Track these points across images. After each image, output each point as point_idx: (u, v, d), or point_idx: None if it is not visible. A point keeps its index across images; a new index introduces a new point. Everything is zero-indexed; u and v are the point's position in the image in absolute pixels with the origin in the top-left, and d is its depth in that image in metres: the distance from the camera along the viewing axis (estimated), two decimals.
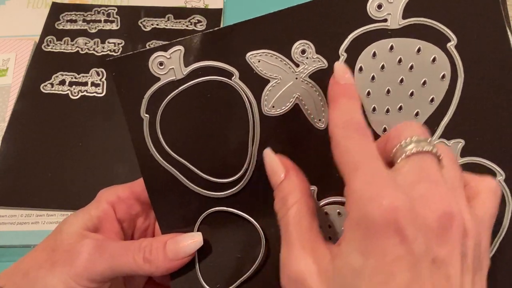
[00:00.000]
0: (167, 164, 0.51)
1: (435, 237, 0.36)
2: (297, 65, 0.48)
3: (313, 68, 0.48)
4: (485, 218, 0.41)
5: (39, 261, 0.51)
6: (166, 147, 0.50)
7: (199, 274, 0.53)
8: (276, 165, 0.47)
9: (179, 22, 0.98)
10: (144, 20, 0.98)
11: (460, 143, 0.49)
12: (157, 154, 0.51)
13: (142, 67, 0.49)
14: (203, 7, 1.00)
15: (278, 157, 0.48)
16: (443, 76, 0.48)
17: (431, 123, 0.49)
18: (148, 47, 0.87)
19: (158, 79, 0.49)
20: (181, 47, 0.48)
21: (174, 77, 0.49)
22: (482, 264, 0.40)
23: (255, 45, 0.48)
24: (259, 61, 0.48)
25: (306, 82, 0.49)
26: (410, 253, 0.35)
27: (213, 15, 0.99)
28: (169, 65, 0.49)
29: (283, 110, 0.49)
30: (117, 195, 0.56)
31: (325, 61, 0.48)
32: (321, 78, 0.48)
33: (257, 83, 0.49)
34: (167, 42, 0.48)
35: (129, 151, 0.80)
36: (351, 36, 0.48)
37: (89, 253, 0.51)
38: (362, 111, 0.43)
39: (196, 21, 0.97)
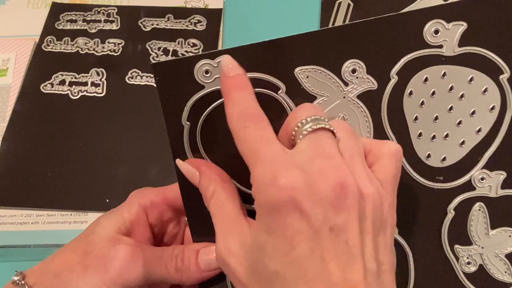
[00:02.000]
0: None
1: (332, 207, 0.38)
2: (346, 84, 0.48)
3: (362, 89, 0.48)
4: (387, 179, 0.43)
5: (71, 263, 0.50)
6: (205, 155, 0.49)
7: (230, 285, 0.52)
8: (189, 168, 0.49)
9: (179, 22, 0.97)
10: (144, 20, 0.97)
11: (502, 175, 0.49)
12: None
13: (187, 73, 0.47)
14: (203, 7, 1.00)
15: (188, 161, 0.50)
16: (493, 108, 0.48)
17: (475, 153, 0.49)
18: (149, 47, 0.87)
19: (203, 87, 0.48)
20: None
21: (219, 87, 0.48)
22: (386, 223, 0.42)
23: (305, 61, 0.48)
24: (307, 77, 0.48)
25: (353, 102, 0.48)
26: (309, 226, 0.37)
27: (213, 15, 0.98)
28: (215, 73, 0.47)
29: None
30: (150, 200, 0.55)
31: (375, 82, 0.48)
32: (369, 99, 0.48)
33: (304, 99, 0.48)
34: (214, 50, 0.47)
35: (129, 151, 0.82)
36: (404, 59, 0.47)
37: (123, 259, 0.49)
38: (254, 98, 0.45)
39: (196, 21, 0.97)
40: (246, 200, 0.48)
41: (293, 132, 0.43)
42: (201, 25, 0.97)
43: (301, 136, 0.42)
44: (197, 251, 0.51)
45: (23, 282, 0.49)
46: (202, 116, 0.48)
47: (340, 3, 0.95)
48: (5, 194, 0.80)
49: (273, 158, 0.40)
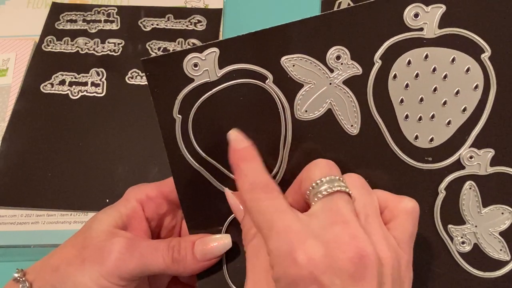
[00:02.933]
0: (198, 165, 0.51)
1: (350, 278, 0.38)
2: (332, 71, 0.49)
3: (347, 74, 0.49)
4: (404, 239, 0.43)
5: (69, 257, 0.51)
6: (198, 148, 0.50)
7: (227, 275, 0.53)
8: (236, 203, 0.50)
9: (179, 22, 0.97)
10: (144, 20, 0.98)
11: (490, 152, 0.49)
12: (188, 154, 0.51)
13: (177, 67, 0.48)
14: (203, 7, 1.00)
15: (237, 194, 0.50)
16: (476, 87, 0.48)
17: (462, 132, 0.49)
18: (149, 47, 0.88)
19: (192, 80, 0.49)
20: (216, 49, 0.48)
21: (208, 79, 0.49)
22: (404, 283, 0.42)
23: (291, 50, 0.48)
24: (293, 66, 0.49)
25: (339, 87, 0.49)
26: None
27: (213, 15, 0.98)
28: (203, 66, 0.48)
29: (315, 115, 0.49)
30: (146, 194, 0.56)
31: (359, 67, 0.49)
32: (355, 85, 0.49)
33: (291, 87, 0.49)
34: (202, 44, 0.48)
35: (129, 151, 0.82)
36: (387, 44, 0.48)
37: (120, 251, 0.50)
38: (264, 168, 0.46)
39: (196, 21, 0.97)
40: (233, 188, 0.50)
41: (308, 192, 0.44)
42: (201, 25, 0.97)
43: (316, 199, 0.42)
44: (193, 242, 0.52)
45: (23, 278, 0.50)
46: (193, 109, 0.49)
47: (340, 3, 0.95)
48: (5, 194, 0.81)
49: (287, 229, 0.40)
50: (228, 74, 0.49)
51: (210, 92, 0.49)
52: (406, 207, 0.44)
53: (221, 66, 0.49)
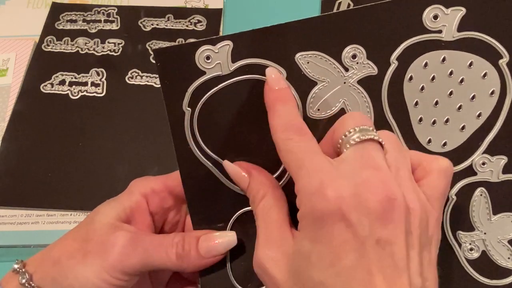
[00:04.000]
0: (205, 160, 0.50)
1: (378, 219, 0.38)
2: (347, 70, 0.48)
3: (362, 74, 0.48)
4: (435, 196, 0.43)
5: (70, 250, 0.50)
6: (202, 143, 0.49)
7: (230, 273, 0.52)
8: (238, 172, 0.49)
9: (179, 22, 0.97)
10: (144, 20, 0.98)
11: (503, 160, 0.49)
12: (196, 148, 0.50)
13: (189, 59, 0.47)
14: (203, 7, 1.00)
15: (238, 163, 0.50)
16: (492, 92, 0.48)
17: (476, 138, 0.49)
18: (148, 47, 0.88)
19: (204, 73, 0.48)
20: (230, 42, 0.47)
21: (220, 72, 0.48)
22: (432, 239, 0.42)
23: (306, 46, 0.48)
24: (308, 63, 0.48)
25: (354, 87, 0.48)
26: (355, 236, 0.37)
27: (213, 15, 0.99)
28: (216, 59, 0.47)
29: (328, 114, 0.49)
30: (151, 187, 0.55)
31: (375, 67, 0.48)
32: (370, 85, 0.48)
33: (304, 84, 0.48)
34: (215, 36, 0.47)
35: (129, 151, 0.82)
36: (404, 45, 0.48)
37: (123, 245, 0.49)
38: (298, 112, 0.47)
39: (196, 21, 0.97)
40: None
41: (340, 141, 0.43)
42: (201, 25, 0.97)
43: (348, 145, 0.42)
44: (197, 237, 0.51)
45: (23, 270, 0.50)
46: (200, 102, 0.49)
47: (340, 3, 0.95)
48: (5, 194, 0.80)
49: (318, 168, 0.40)
50: (241, 68, 0.48)
51: (220, 85, 0.48)
52: (439, 165, 0.44)
53: (234, 60, 0.48)
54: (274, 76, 0.47)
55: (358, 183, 0.38)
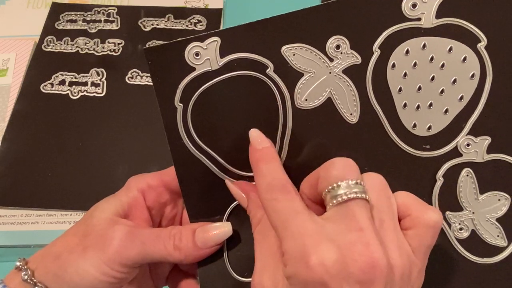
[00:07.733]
0: (199, 154, 0.52)
1: (358, 284, 0.38)
2: (331, 60, 0.49)
3: (347, 64, 0.50)
4: (420, 249, 0.43)
5: (71, 245, 0.52)
6: (196, 137, 0.51)
7: (227, 262, 0.53)
8: (238, 193, 0.51)
9: (179, 22, 0.98)
10: (144, 20, 0.99)
11: (486, 140, 0.50)
12: (189, 143, 0.51)
13: (178, 56, 0.49)
14: (203, 7, 1.01)
15: (238, 184, 0.52)
16: (473, 75, 0.49)
17: (460, 120, 0.50)
18: (148, 46, 0.89)
19: (194, 69, 0.50)
20: (217, 38, 0.49)
21: (210, 68, 0.49)
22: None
23: (291, 39, 0.49)
24: (294, 55, 0.49)
25: (339, 76, 0.50)
26: None
27: (213, 15, 1.00)
28: (205, 55, 0.49)
29: (315, 104, 0.50)
30: (147, 183, 0.57)
31: (359, 56, 0.49)
32: (354, 74, 0.50)
33: (291, 76, 0.50)
34: (203, 34, 0.49)
35: (129, 151, 0.83)
36: (386, 33, 0.49)
37: (121, 238, 0.51)
38: (282, 168, 0.47)
39: (196, 21, 0.98)
40: (235, 177, 0.52)
41: (323, 194, 0.44)
42: (201, 25, 0.98)
43: (331, 204, 0.42)
44: (194, 229, 0.52)
45: (25, 267, 0.51)
46: (193, 98, 0.50)
47: None
48: (5, 194, 0.81)
49: (302, 230, 0.41)
50: (229, 63, 0.50)
51: (212, 81, 0.50)
52: (428, 221, 0.44)
53: (222, 55, 0.49)
54: (257, 136, 0.49)
55: (341, 246, 0.39)
